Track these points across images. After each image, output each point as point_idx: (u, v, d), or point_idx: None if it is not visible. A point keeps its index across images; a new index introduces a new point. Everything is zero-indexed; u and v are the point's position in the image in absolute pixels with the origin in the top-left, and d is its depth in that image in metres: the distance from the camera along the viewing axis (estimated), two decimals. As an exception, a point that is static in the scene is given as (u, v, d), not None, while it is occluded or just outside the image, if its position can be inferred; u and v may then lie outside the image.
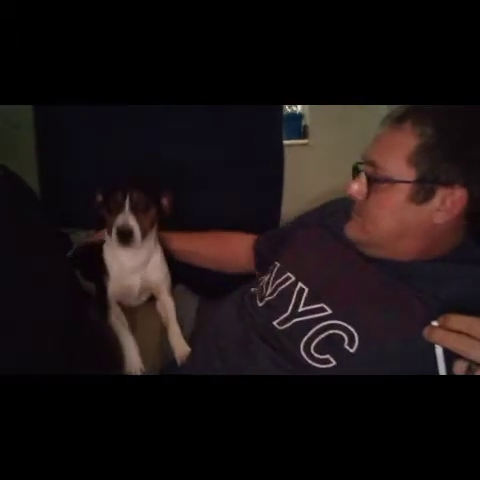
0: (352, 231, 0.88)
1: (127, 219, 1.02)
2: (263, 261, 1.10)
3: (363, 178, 0.83)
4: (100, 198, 1.09)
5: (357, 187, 0.84)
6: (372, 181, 0.81)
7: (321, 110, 1.51)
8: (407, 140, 0.78)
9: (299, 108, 1.59)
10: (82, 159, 1.40)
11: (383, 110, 1.32)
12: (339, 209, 0.98)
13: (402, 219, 0.80)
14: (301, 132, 1.62)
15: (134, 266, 1.12)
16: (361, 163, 0.86)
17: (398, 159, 0.78)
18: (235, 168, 1.45)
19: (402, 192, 0.79)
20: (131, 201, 1.03)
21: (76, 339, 0.79)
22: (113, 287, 1.11)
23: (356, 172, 0.87)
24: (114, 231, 1.02)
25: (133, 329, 1.07)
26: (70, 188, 1.40)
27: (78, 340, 0.80)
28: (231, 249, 1.24)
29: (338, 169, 1.47)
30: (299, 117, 1.63)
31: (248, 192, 1.48)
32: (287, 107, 1.55)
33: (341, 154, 1.50)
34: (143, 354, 1.03)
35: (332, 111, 1.47)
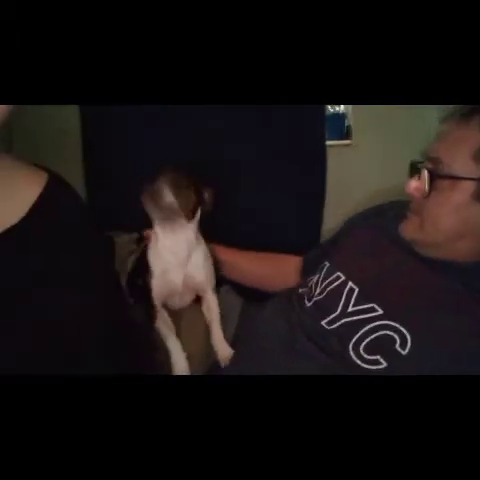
0: (409, 230, 0.86)
1: (166, 195, 1.01)
2: (310, 272, 1.07)
3: (424, 175, 0.80)
4: (146, 195, 1.09)
5: (417, 184, 0.82)
6: (435, 178, 0.78)
7: (364, 110, 1.49)
8: (474, 137, 0.76)
9: (342, 108, 1.57)
10: (129, 163, 1.42)
11: (428, 109, 1.30)
12: (391, 210, 0.96)
13: (465, 218, 0.78)
14: (344, 132, 1.59)
15: (176, 261, 1.11)
16: (421, 162, 0.83)
17: (464, 156, 0.76)
18: (277, 169, 1.44)
19: (466, 190, 0.76)
20: (170, 182, 1.03)
21: (120, 341, 0.80)
22: (157, 285, 1.11)
23: (415, 170, 0.84)
24: (156, 211, 1.04)
25: (179, 332, 1.08)
26: (117, 191, 1.42)
27: (122, 343, 0.82)
28: (281, 271, 1.20)
29: (382, 170, 1.46)
30: (342, 117, 1.61)
31: (290, 194, 1.46)
32: (330, 107, 1.53)
33: (385, 154, 1.49)
34: (189, 357, 1.03)
35: (375, 111, 1.45)
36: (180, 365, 1.01)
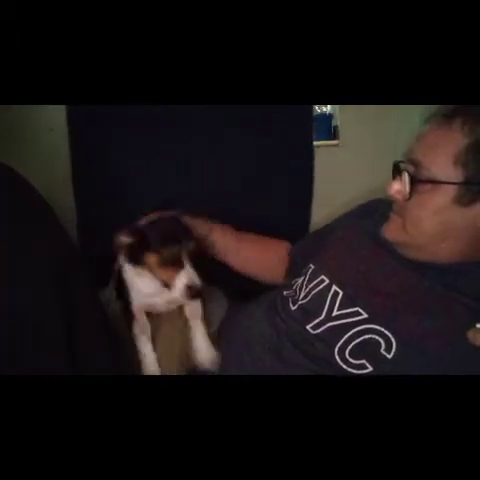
0: (391, 232, 0.85)
1: (193, 278, 0.93)
2: (296, 270, 1.08)
3: (405, 178, 0.79)
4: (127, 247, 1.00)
5: (398, 187, 0.81)
6: (415, 181, 0.78)
7: (351, 110, 1.50)
8: (455, 139, 0.74)
9: (329, 108, 1.58)
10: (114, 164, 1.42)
11: (415, 109, 1.31)
12: (376, 210, 0.96)
13: (445, 221, 0.77)
14: (331, 133, 1.60)
15: (157, 290, 1.03)
16: (402, 162, 0.83)
17: (444, 159, 0.75)
18: (265, 170, 1.45)
19: (447, 194, 0.75)
20: (187, 255, 0.94)
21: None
22: (136, 304, 1.06)
23: (397, 171, 0.83)
24: (179, 286, 0.93)
25: (159, 332, 1.07)
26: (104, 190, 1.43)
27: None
28: (271, 254, 1.19)
29: (369, 170, 1.47)
30: (329, 117, 1.61)
31: (278, 194, 1.47)
32: (317, 107, 1.54)
33: (372, 154, 1.49)
34: (169, 358, 1.03)
35: (362, 111, 1.45)
36: (150, 367, 1.01)
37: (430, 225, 0.78)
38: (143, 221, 1.01)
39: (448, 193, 0.75)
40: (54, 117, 1.38)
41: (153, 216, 1.03)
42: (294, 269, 1.11)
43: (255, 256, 1.19)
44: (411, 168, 0.80)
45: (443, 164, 0.75)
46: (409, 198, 0.79)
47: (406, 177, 0.79)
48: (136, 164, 1.41)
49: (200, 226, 1.10)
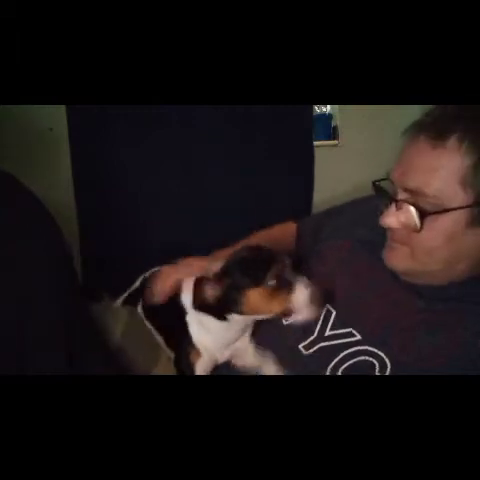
0: (397, 261, 0.78)
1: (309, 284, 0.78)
2: (305, 246, 1.02)
3: (411, 211, 0.72)
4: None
5: (401, 220, 0.73)
6: (425, 215, 0.70)
7: (351, 110, 1.50)
8: (455, 160, 0.68)
9: (328, 108, 1.58)
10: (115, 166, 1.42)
11: (414, 109, 1.31)
12: (370, 211, 0.93)
13: (461, 246, 0.72)
14: (331, 133, 1.60)
15: (231, 337, 0.87)
16: (384, 180, 0.77)
17: (450, 183, 0.69)
18: (265, 170, 1.45)
19: (460, 219, 0.70)
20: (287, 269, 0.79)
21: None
22: (202, 366, 0.87)
23: (386, 198, 0.76)
24: (302, 299, 0.76)
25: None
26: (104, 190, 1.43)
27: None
28: (281, 238, 1.08)
29: (368, 170, 1.46)
30: (329, 118, 1.62)
31: (278, 194, 1.47)
32: (316, 108, 1.54)
33: (371, 154, 1.49)
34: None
35: (362, 111, 1.46)
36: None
37: (445, 253, 0.73)
38: (216, 265, 0.83)
39: (460, 218, 0.70)
40: (54, 117, 1.38)
41: (222, 255, 0.87)
42: (303, 247, 1.05)
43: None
44: (410, 198, 0.73)
45: (450, 189, 0.69)
46: (419, 231, 0.72)
47: (413, 211, 0.71)
48: (136, 163, 1.41)
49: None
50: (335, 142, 1.56)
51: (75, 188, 1.42)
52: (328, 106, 1.56)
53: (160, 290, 0.87)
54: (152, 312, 0.94)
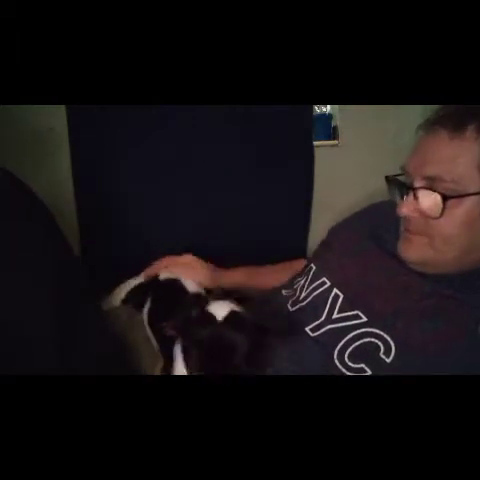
0: (415, 252, 0.81)
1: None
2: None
3: (426, 197, 0.76)
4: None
5: (422, 207, 0.77)
6: (447, 199, 0.74)
7: (351, 110, 1.50)
8: (473, 149, 0.73)
9: (328, 108, 1.58)
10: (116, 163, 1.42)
11: (415, 109, 1.31)
12: (380, 215, 0.95)
13: (478, 233, 0.76)
14: (331, 133, 1.60)
15: None
16: (400, 175, 0.80)
17: (470, 170, 0.73)
18: (264, 170, 1.45)
19: (478, 204, 0.74)
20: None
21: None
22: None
23: (402, 189, 0.79)
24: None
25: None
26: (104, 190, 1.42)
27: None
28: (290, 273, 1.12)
29: (369, 170, 1.47)
30: (329, 117, 1.62)
31: (278, 195, 1.47)
32: (316, 108, 1.54)
33: (372, 155, 1.49)
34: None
35: (362, 111, 1.45)
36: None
37: (464, 239, 0.76)
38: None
39: (478, 203, 0.74)
40: (54, 117, 1.38)
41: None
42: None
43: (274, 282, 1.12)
44: (427, 185, 0.77)
45: (468, 175, 0.74)
46: (439, 217, 0.76)
47: (434, 196, 0.75)
48: (136, 164, 1.41)
49: (205, 279, 1.08)
50: (335, 142, 1.56)
51: (75, 188, 1.42)
52: (328, 106, 1.55)
53: (155, 266, 1.01)
54: (155, 320, 0.99)
